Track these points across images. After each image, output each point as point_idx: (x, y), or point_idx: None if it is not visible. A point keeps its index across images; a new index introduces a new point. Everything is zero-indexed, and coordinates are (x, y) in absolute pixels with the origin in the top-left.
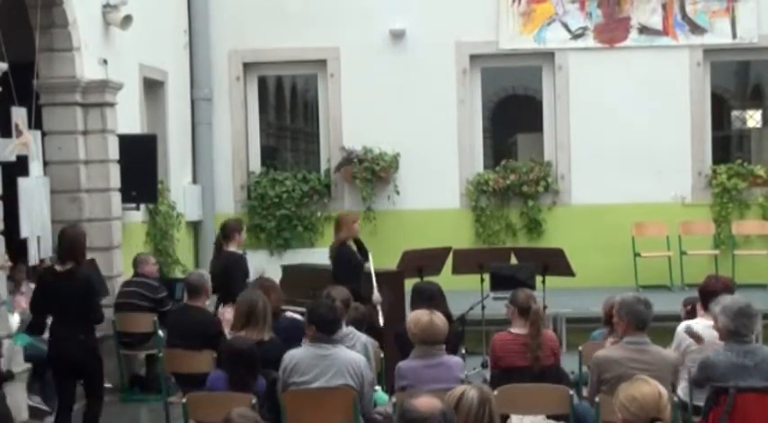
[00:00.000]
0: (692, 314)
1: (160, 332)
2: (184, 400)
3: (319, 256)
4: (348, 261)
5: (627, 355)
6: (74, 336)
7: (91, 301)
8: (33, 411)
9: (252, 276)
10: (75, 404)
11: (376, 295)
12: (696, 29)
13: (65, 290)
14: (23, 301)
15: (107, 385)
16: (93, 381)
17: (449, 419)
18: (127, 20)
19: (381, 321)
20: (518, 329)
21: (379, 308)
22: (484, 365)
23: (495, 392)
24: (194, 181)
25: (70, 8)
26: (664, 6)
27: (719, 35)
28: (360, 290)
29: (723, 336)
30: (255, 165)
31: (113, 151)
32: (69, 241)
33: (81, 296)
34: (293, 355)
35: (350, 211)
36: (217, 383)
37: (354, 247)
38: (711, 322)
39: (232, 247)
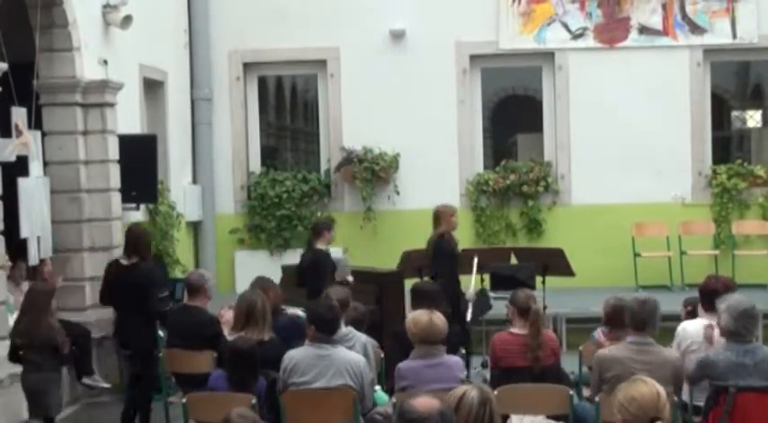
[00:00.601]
0: (692, 314)
1: (160, 332)
2: (184, 400)
3: None
4: (447, 254)
5: (629, 354)
6: (136, 326)
7: (149, 294)
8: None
9: (339, 273)
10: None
11: (470, 291)
12: (696, 29)
13: (128, 282)
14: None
15: (106, 385)
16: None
17: (447, 420)
18: (127, 20)
19: (469, 317)
20: (518, 329)
21: (470, 304)
22: (484, 365)
23: (496, 392)
24: (194, 181)
25: (70, 8)
26: (664, 6)
27: (719, 35)
28: (455, 283)
29: (724, 334)
30: (255, 165)
31: (113, 151)
32: (135, 238)
33: (142, 289)
34: (293, 356)
35: (447, 204)
36: (218, 383)
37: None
38: (710, 322)
39: (321, 245)
